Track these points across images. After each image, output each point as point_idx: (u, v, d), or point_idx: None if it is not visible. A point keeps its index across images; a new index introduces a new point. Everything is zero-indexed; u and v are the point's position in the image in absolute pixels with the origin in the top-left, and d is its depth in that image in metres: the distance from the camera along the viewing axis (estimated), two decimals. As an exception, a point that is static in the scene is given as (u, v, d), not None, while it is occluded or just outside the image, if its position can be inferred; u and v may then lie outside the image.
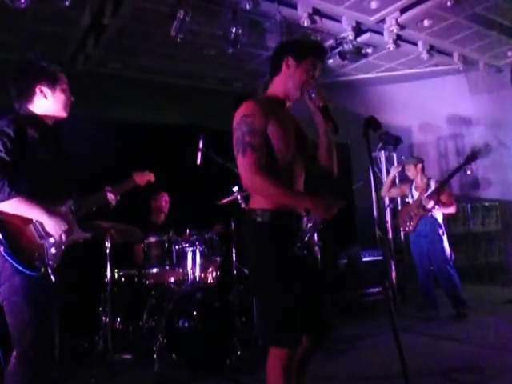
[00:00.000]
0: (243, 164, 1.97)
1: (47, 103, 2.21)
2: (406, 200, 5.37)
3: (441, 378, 3.15)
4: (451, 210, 5.04)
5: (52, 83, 2.22)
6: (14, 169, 2.01)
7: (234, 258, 4.68)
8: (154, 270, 4.13)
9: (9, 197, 1.95)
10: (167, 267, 4.11)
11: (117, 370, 3.61)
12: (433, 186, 5.01)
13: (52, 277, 2.05)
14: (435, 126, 8.08)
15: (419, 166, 5.20)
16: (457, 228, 7.33)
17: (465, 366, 3.35)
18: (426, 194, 4.96)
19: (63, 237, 2.12)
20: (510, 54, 6.90)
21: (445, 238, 5.02)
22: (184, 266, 4.04)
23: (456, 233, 7.30)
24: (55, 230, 2.09)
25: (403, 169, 5.36)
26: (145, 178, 2.84)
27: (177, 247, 4.10)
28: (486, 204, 7.58)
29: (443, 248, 4.98)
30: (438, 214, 5.05)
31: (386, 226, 5.85)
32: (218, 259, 4.31)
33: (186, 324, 3.60)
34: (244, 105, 2.06)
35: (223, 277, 4.50)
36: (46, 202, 2.10)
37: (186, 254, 4.02)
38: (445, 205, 4.98)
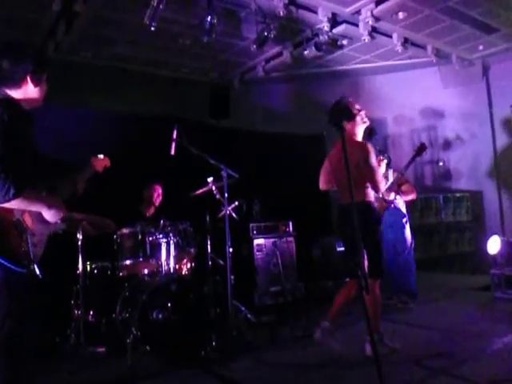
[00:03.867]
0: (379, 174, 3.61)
1: (33, 91, 2.19)
2: None
3: (412, 364, 3.20)
4: (412, 196, 5.09)
5: (42, 74, 2.22)
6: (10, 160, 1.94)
7: (209, 250, 4.66)
8: (128, 262, 4.06)
9: (11, 198, 1.91)
10: (141, 259, 4.04)
11: (90, 364, 3.55)
12: (391, 176, 4.99)
13: (38, 273, 2.08)
14: (409, 118, 8.18)
15: (379, 158, 4.84)
16: (429, 218, 7.46)
17: (435, 352, 3.42)
18: (386, 187, 4.73)
19: (59, 222, 2.22)
20: (481, 47, 7.03)
21: (407, 226, 5.12)
22: (158, 258, 3.98)
23: (428, 223, 7.43)
24: (55, 218, 2.15)
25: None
26: (101, 163, 2.67)
27: (150, 238, 4.02)
28: (458, 195, 7.73)
29: (405, 237, 5.10)
30: (401, 204, 5.10)
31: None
32: (193, 250, 4.27)
33: (160, 315, 3.56)
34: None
35: (198, 268, 4.48)
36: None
37: (160, 245, 3.96)
38: (405, 193, 5.03)
